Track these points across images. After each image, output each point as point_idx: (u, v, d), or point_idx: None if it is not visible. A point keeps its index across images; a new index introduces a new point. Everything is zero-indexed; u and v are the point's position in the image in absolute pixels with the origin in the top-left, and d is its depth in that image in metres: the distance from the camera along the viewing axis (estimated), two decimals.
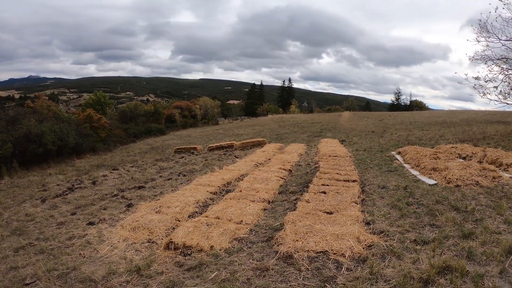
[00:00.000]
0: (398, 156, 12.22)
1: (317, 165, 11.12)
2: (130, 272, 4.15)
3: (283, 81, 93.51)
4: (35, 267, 4.46)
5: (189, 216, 6.44)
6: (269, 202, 7.45)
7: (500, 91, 13.70)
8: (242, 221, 6.02)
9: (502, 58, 13.55)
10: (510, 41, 13.28)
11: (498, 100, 14.00)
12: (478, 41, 13.98)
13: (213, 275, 4.00)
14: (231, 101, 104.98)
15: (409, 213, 5.81)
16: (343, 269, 4.04)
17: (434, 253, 4.27)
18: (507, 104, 13.86)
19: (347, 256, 4.35)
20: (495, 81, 14.09)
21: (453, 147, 12.13)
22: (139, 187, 9.36)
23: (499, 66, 13.67)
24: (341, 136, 21.17)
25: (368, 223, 5.51)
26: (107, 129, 41.66)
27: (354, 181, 8.61)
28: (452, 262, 3.88)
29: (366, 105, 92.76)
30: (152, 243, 5.16)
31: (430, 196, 6.75)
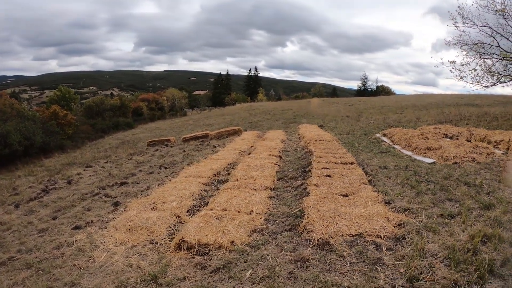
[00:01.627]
0: (384, 138, 12.73)
1: (307, 150, 11.27)
2: (145, 282, 3.75)
3: (249, 70, 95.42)
4: (25, 287, 3.98)
5: (188, 211, 6.21)
6: (271, 189, 7.43)
7: (478, 73, 14.68)
8: (252, 211, 5.93)
9: (479, 43, 14.49)
10: (486, 27, 14.24)
11: (472, 83, 15.01)
12: (457, 26, 14.82)
13: (248, 274, 3.76)
14: (197, 92, 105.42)
15: (423, 191, 6.08)
16: (384, 249, 4.14)
17: (465, 225, 4.52)
18: (483, 86, 14.92)
19: (382, 236, 4.46)
20: (469, 65, 15.07)
21: (436, 127, 12.87)
22: (122, 183, 8.99)
23: (475, 51, 14.64)
24: (317, 121, 21.62)
25: (388, 203, 5.69)
26: (74, 125, 41.88)
27: (352, 163, 8.84)
28: (488, 231, 4.13)
29: (333, 91, 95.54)
30: (156, 244, 4.83)
31: (435, 173, 7.12)
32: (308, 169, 8.59)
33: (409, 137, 11.18)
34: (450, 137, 11.07)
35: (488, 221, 4.59)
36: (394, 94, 73.84)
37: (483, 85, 15.04)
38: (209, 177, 8.51)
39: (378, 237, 4.45)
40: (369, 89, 79.54)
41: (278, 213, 5.87)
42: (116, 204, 7.03)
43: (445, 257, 3.77)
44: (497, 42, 14.35)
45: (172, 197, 6.72)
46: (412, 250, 3.99)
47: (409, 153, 9.75)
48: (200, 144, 16.03)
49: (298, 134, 16.05)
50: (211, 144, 15.79)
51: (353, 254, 4.07)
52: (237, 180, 8.03)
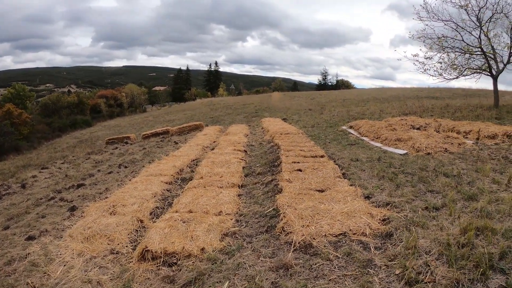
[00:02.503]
0: (351, 130, 12.73)
1: (273, 144, 10.93)
2: None
3: (210, 65, 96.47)
4: None
5: (151, 214, 5.79)
6: (240, 186, 7.01)
7: (441, 66, 15.18)
8: (221, 211, 5.50)
9: (443, 37, 14.96)
10: (450, 21, 14.72)
11: (436, 76, 15.51)
12: (421, 20, 15.21)
13: (225, 287, 3.40)
14: (156, 88, 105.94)
15: (402, 183, 5.92)
16: (372, 249, 3.85)
17: (452, 217, 4.35)
18: (446, 79, 15.46)
19: (368, 234, 4.17)
20: (432, 58, 15.57)
21: (402, 119, 13.09)
22: (79, 186, 8.41)
23: (438, 45, 15.11)
24: (280, 115, 21.45)
25: (368, 197, 5.46)
26: (30, 124, 41.31)
27: (322, 156, 8.61)
28: (479, 223, 3.97)
29: (294, 85, 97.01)
30: (117, 254, 4.38)
31: (410, 165, 7.04)
32: (276, 163, 8.23)
33: (377, 129, 11.21)
34: (418, 128, 11.25)
35: (475, 212, 4.46)
36: (354, 88, 76.38)
37: (446, 77, 15.57)
38: (171, 175, 8.09)
39: (364, 236, 4.15)
40: (330, 83, 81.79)
41: (250, 213, 5.45)
42: (72, 209, 6.43)
43: (440, 254, 3.53)
44: (461, 36, 14.88)
45: (133, 199, 6.24)
46: (403, 248, 3.72)
47: (378, 144, 9.72)
48: (161, 141, 15.52)
49: (262, 128, 15.71)
50: (172, 140, 15.26)
51: (340, 256, 3.73)
52: (202, 177, 7.53)
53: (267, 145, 11.28)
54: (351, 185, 6.06)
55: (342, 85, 77.96)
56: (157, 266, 3.93)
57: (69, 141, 28.74)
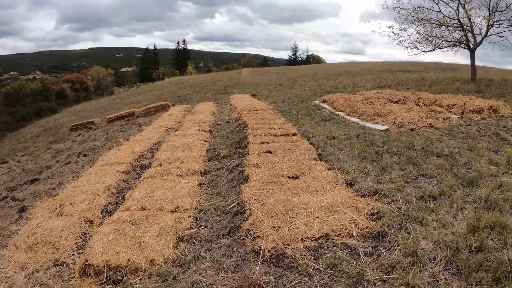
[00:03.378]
0: (324, 105, 11.94)
1: (241, 122, 9.96)
2: None
3: (178, 43, 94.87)
4: None
5: (102, 211, 5.02)
6: (202, 173, 6.11)
7: (417, 38, 14.75)
8: (178, 207, 4.64)
9: (419, 7, 14.40)
10: None
11: (411, 48, 15.08)
12: None
13: None
14: (124, 69, 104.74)
15: (389, 165, 5.16)
16: (362, 256, 3.06)
17: (455, 210, 3.64)
18: (421, 51, 15.10)
19: (355, 235, 3.39)
20: (408, 30, 15.13)
21: (378, 92, 12.42)
22: (33, 181, 7.73)
23: (413, 16, 14.64)
24: (249, 91, 20.41)
25: (350, 184, 4.68)
26: None
27: (294, 134, 7.78)
28: (488, 217, 3.27)
29: (264, 61, 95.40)
30: (61, 265, 3.69)
31: (394, 142, 6.32)
32: (244, 144, 7.31)
33: (352, 103, 10.47)
34: (396, 102, 10.60)
35: (479, 202, 3.75)
36: (325, 62, 76.01)
37: (422, 50, 15.17)
38: (129, 163, 7.18)
39: (351, 237, 3.37)
40: (300, 58, 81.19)
41: (212, 208, 4.58)
42: (22, 210, 5.68)
43: (448, 262, 2.80)
44: (438, 8, 14.35)
45: (83, 194, 5.37)
46: (401, 254, 2.96)
47: (355, 120, 8.98)
48: (126, 124, 14.60)
49: (230, 105, 14.67)
50: (137, 122, 14.29)
51: (322, 269, 2.91)
52: (160, 164, 6.63)
53: (234, 124, 10.30)
54: (329, 169, 5.27)
55: (313, 60, 77.54)
56: (101, 284, 3.23)
57: (33, 131, 27.05)
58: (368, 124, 8.22)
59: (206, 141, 8.29)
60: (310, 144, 6.85)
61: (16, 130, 33.51)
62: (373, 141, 6.56)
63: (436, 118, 7.76)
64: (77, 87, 62.69)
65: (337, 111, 10.60)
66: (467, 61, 15.59)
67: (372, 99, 10.74)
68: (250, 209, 3.99)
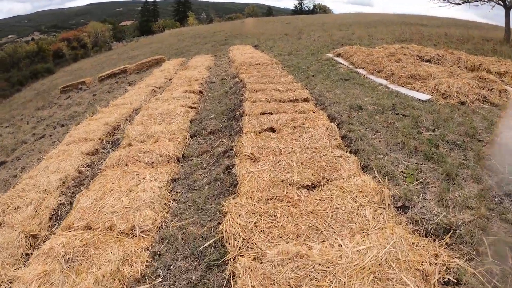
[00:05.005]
0: (340, 60, 9.59)
1: (238, 79, 7.74)
2: None
3: None
4: None
5: (51, 219, 3.66)
6: (177, 160, 4.23)
7: None
8: (134, 227, 3.03)
9: None
10: None
11: None
12: None
13: None
14: (124, 23, 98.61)
15: (455, 169, 3.15)
16: None
17: None
18: (450, 3, 12.68)
19: None
20: None
21: (403, 47, 9.98)
22: (1, 164, 6.51)
23: None
24: (252, 41, 17.73)
25: (403, 207, 2.71)
26: None
27: (305, 100, 5.67)
28: None
29: (268, 11, 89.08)
30: None
31: (449, 125, 4.24)
32: (238, 113, 5.23)
33: (376, 59, 8.16)
34: (428, 61, 8.29)
35: None
36: (332, 12, 70.49)
37: (451, 2, 12.60)
38: (99, 139, 5.57)
39: None
40: (306, 8, 75.20)
41: (180, 237, 2.79)
42: None
43: None
44: None
45: (33, 192, 3.97)
46: None
47: (383, 81, 6.79)
48: (116, 83, 12.46)
49: (228, 58, 12.26)
50: (127, 81, 12.11)
51: None
52: (129, 144, 4.82)
53: (231, 82, 8.07)
54: (364, 169, 3.31)
55: (320, 9, 71.86)
56: None
57: (27, 95, 24.71)
58: (402, 90, 6.05)
59: (192, 107, 6.22)
60: (329, 116, 4.80)
61: (11, 95, 30.78)
62: (418, 118, 4.46)
63: (491, 89, 5.57)
64: (74, 45, 59.35)
65: (356, 68, 8.31)
66: (483, 20, 13.29)
67: (399, 55, 8.41)
68: (234, 268, 2.08)
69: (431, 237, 2.41)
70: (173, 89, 7.73)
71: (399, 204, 2.72)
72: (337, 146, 3.74)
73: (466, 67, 7.30)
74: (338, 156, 3.46)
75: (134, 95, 8.26)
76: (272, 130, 4.27)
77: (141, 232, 2.95)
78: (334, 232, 2.43)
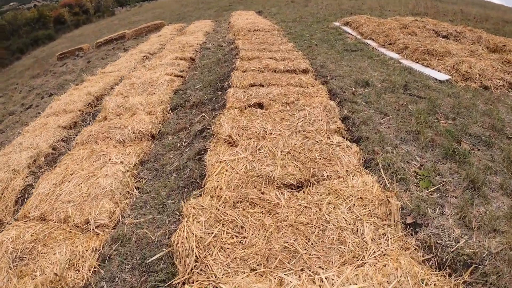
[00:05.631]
0: (347, 29, 8.61)
1: (233, 46, 6.86)
2: None
3: None
4: None
5: (17, 202, 3.22)
6: (151, 137, 3.60)
7: None
8: (88, 221, 2.53)
9: None
10: None
11: None
12: None
13: None
14: None
15: (482, 174, 2.46)
16: None
17: None
18: None
19: None
20: None
21: (417, 20, 8.92)
22: None
23: None
24: (256, 7, 16.54)
25: (414, 225, 2.06)
26: None
27: (305, 71, 4.89)
28: None
29: None
30: None
31: (472, 114, 3.48)
32: (226, 84, 4.46)
33: (387, 30, 7.23)
34: (445, 37, 7.36)
35: None
36: None
37: None
38: (79, 110, 5.01)
39: None
40: None
41: (133, 241, 2.19)
42: None
43: None
44: None
45: (2, 172, 3.57)
46: None
47: (394, 55, 5.93)
48: (112, 49, 11.69)
49: (228, 24, 11.24)
50: (123, 47, 11.29)
51: None
52: (105, 118, 4.23)
53: (226, 48, 7.17)
54: (366, 165, 2.62)
55: None
56: None
57: (26, 63, 23.40)
58: (416, 66, 5.22)
59: (179, 76, 5.47)
60: (330, 92, 4.05)
61: (11, 64, 28.98)
62: (435, 102, 3.69)
63: None
64: (76, 10, 56.22)
65: (365, 38, 7.39)
66: (499, 1, 11.74)
67: (413, 28, 7.46)
68: None
69: (446, 270, 1.78)
70: (163, 56, 6.91)
71: (409, 220, 2.05)
72: (335, 131, 3.01)
73: (487, 47, 6.39)
74: (336, 145, 2.75)
75: (124, 62, 7.46)
76: (260, 106, 3.53)
77: (96, 227, 2.42)
78: (319, 258, 1.79)
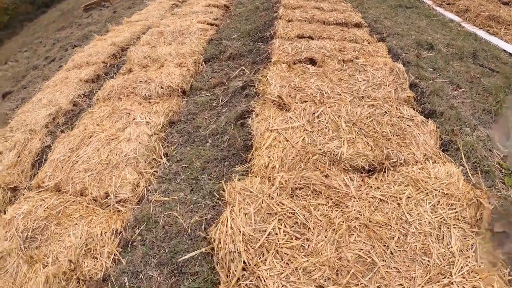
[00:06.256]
0: None
1: None
2: None
3: None
4: None
5: (34, 165, 2.77)
6: (184, 92, 3.04)
7: None
8: (108, 194, 2.04)
9: None
10: None
11: None
12: None
13: None
14: None
15: None
16: None
17: None
18: None
19: None
20: None
21: None
22: (4, 95, 5.55)
23: None
24: None
25: (504, 235, 1.52)
26: (10, 9, 31.07)
27: (357, 25, 4.08)
28: None
29: None
30: None
31: None
32: (268, 34, 3.73)
33: None
34: (506, 3, 6.18)
35: None
36: None
37: None
38: (103, 62, 4.33)
39: None
40: None
41: (160, 226, 1.79)
42: None
43: None
44: None
45: (20, 132, 3.13)
46: None
47: (455, 18, 4.94)
48: None
49: None
50: None
51: None
52: (130, 70, 3.63)
53: None
54: (444, 150, 2.02)
55: None
56: None
57: (51, 16, 22.22)
58: (481, 33, 4.29)
59: (212, 24, 4.70)
60: (389, 52, 3.31)
61: (36, 18, 28.22)
62: (511, 78, 2.96)
63: None
64: None
65: None
66: None
67: None
68: None
69: None
70: (194, 3, 6.04)
71: (498, 229, 1.50)
72: (405, 101, 2.38)
73: None
74: (408, 119, 2.14)
75: (152, 10, 6.59)
76: (312, 61, 2.87)
77: (116, 202, 1.97)
78: (399, 272, 1.30)
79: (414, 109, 2.34)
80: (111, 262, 1.59)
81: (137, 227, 1.68)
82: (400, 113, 2.20)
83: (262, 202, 1.43)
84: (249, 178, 1.58)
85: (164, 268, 1.44)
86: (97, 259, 1.63)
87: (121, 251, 1.63)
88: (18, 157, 2.84)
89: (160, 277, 1.39)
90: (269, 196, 1.46)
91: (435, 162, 1.83)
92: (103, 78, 4.01)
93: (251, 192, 1.48)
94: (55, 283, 1.57)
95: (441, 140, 2.10)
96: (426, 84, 2.69)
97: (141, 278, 1.42)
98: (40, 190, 2.25)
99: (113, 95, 3.08)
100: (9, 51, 13.70)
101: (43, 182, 2.26)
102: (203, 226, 1.56)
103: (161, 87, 2.97)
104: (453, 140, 2.08)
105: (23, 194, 2.33)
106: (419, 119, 2.16)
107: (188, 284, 1.30)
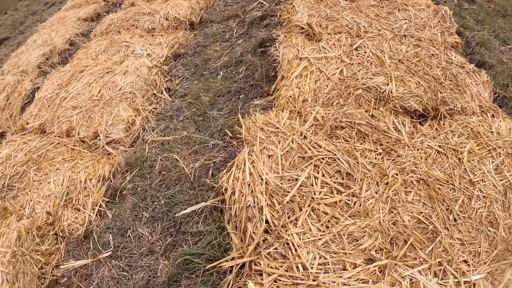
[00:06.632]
0: None
1: None
2: None
3: None
4: None
5: (24, 108, 2.39)
6: (192, 25, 2.60)
7: None
8: (97, 134, 1.67)
9: None
10: None
11: None
12: None
13: None
14: None
15: None
16: None
17: None
18: None
19: None
20: None
21: None
22: (1, 41, 5.22)
23: None
24: None
25: None
26: None
27: None
28: None
29: None
30: None
31: None
32: None
33: None
34: None
35: None
36: None
37: None
38: (104, 0, 3.95)
39: None
40: None
41: (156, 171, 1.38)
42: None
43: None
44: None
45: (11, 74, 2.79)
46: None
47: None
48: None
49: None
50: None
51: None
52: (132, 4, 3.16)
53: None
54: (498, 104, 1.60)
55: None
56: None
57: None
58: None
59: None
60: None
61: None
62: None
63: None
64: None
65: None
66: None
67: None
68: None
69: None
70: None
71: None
72: (452, 46, 1.93)
73: None
74: (458, 66, 1.71)
75: None
76: None
77: (107, 144, 1.62)
78: (463, 245, 0.96)
79: (461, 54, 1.91)
80: (95, 215, 1.24)
81: (129, 172, 1.31)
82: (449, 58, 1.77)
83: (292, 142, 1.04)
84: (274, 112, 1.17)
85: (157, 225, 1.08)
86: (79, 211, 1.31)
87: (108, 201, 1.27)
88: (7, 100, 2.53)
89: (152, 236, 1.04)
90: (301, 134, 1.07)
91: (493, 117, 1.43)
92: (103, 17, 3.59)
93: (277, 128, 1.08)
94: (28, 239, 1.23)
95: (494, 94, 1.69)
96: (471, 34, 2.23)
97: (129, 236, 1.07)
98: (24, 132, 1.89)
99: (112, 29, 2.64)
100: (9, 1, 12.95)
101: (28, 123, 1.90)
102: (210, 172, 1.18)
103: (167, 19, 2.49)
104: (505, 94, 1.67)
105: (2, 142, 1.97)
106: (470, 67, 1.74)
107: (188, 248, 0.94)
